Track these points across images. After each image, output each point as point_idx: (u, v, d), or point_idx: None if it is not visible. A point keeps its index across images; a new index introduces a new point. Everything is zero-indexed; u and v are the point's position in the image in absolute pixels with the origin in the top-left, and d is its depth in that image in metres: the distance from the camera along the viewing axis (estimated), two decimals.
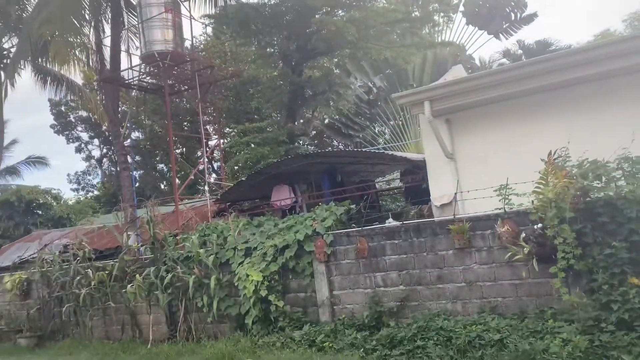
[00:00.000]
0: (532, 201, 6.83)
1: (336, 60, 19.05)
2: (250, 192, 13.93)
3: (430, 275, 7.92)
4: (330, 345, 7.75)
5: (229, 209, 14.17)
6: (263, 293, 8.83)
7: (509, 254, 7.04)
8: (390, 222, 8.86)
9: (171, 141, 15.94)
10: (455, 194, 8.35)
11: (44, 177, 78.24)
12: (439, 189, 8.87)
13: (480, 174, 8.38)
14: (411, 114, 20.83)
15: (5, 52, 20.34)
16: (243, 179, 12.38)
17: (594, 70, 7.50)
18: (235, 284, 9.33)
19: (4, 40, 20.77)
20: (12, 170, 33.42)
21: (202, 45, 23.09)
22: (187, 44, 17.26)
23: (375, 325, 8.06)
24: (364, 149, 15.26)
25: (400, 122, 21.65)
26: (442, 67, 19.09)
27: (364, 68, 21.65)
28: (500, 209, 7.35)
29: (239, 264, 9.50)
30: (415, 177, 10.40)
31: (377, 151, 13.77)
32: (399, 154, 12.10)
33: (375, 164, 13.02)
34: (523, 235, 6.92)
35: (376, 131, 23.07)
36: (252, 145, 17.84)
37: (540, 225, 6.75)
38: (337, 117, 21.77)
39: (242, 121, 21.88)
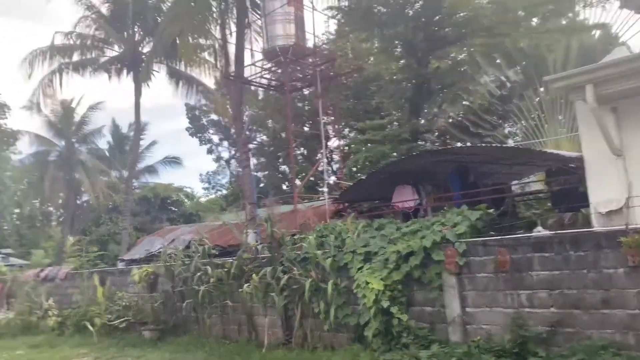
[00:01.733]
0: None
1: (466, 50, 17.49)
2: (370, 192, 13.07)
3: (592, 297, 6.44)
4: None
5: (347, 209, 13.48)
6: (384, 304, 7.92)
7: None
8: (539, 231, 7.45)
9: (290, 135, 15.66)
10: (628, 198, 6.73)
11: (180, 176, 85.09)
12: (603, 193, 7.25)
13: None
14: (556, 106, 18.56)
15: (143, 57, 21.87)
16: (363, 177, 11.54)
17: None
18: (354, 291, 8.54)
19: (142, 44, 22.44)
20: (151, 169, 36.32)
21: (324, 45, 22.83)
22: (310, 42, 16.98)
23: (519, 352, 6.75)
24: (504, 145, 13.62)
25: (534, 122, 19.45)
26: (589, 57, 16.65)
27: (497, 60, 19.79)
28: None
29: (358, 269, 8.68)
30: (569, 178, 8.79)
31: (521, 147, 12.15)
32: (548, 150, 10.48)
33: (514, 164, 11.46)
34: None
35: (506, 132, 21.01)
36: (371, 144, 17.03)
37: None
38: (465, 114, 20.14)
39: (362, 121, 21.19)
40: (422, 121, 17.32)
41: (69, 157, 31.43)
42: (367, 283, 8.15)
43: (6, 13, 76.04)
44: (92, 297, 13.43)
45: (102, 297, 12.79)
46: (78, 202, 33.61)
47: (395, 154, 17.24)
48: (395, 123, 17.48)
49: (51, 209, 38.91)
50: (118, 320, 12.16)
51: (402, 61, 17.47)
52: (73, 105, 31.54)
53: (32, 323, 14.36)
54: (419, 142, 15.90)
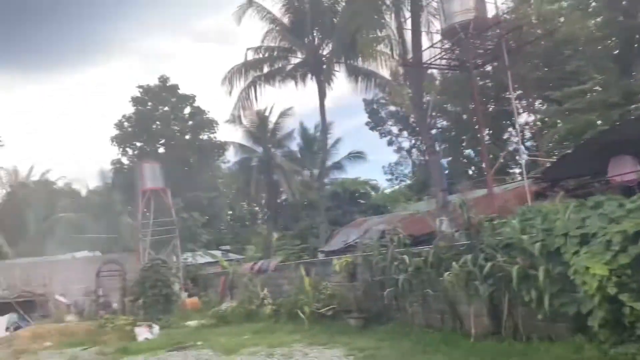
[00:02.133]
0: None
1: None
2: (577, 167, 11.68)
3: None
4: None
5: (550, 188, 12.27)
6: (611, 291, 6.94)
7: None
8: None
9: (479, 112, 14.78)
10: None
11: (363, 170, 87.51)
12: None
13: None
14: None
15: (323, 59, 22.96)
16: (569, 152, 10.36)
17: None
18: (571, 278, 7.67)
19: (322, 47, 23.56)
20: (338, 166, 37.98)
21: (505, 14, 21.20)
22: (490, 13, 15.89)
23: None
24: None
25: None
26: None
27: None
28: None
29: (574, 253, 7.77)
30: None
31: None
32: None
33: None
34: None
35: None
36: (572, 114, 15.21)
37: None
38: None
39: (556, 90, 19.13)
40: (634, 80, 14.91)
41: (268, 161, 34.53)
42: (587, 268, 7.26)
43: (208, 39, 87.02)
44: (299, 286, 14.48)
45: (309, 286, 13.70)
46: (278, 201, 36.78)
47: (599, 122, 15.16)
48: (598, 87, 15.35)
49: (257, 209, 43.45)
50: (325, 309, 12.85)
51: (601, 17, 15.27)
52: (267, 114, 34.59)
53: (252, 311, 16.03)
54: (634, 105, 13.69)
